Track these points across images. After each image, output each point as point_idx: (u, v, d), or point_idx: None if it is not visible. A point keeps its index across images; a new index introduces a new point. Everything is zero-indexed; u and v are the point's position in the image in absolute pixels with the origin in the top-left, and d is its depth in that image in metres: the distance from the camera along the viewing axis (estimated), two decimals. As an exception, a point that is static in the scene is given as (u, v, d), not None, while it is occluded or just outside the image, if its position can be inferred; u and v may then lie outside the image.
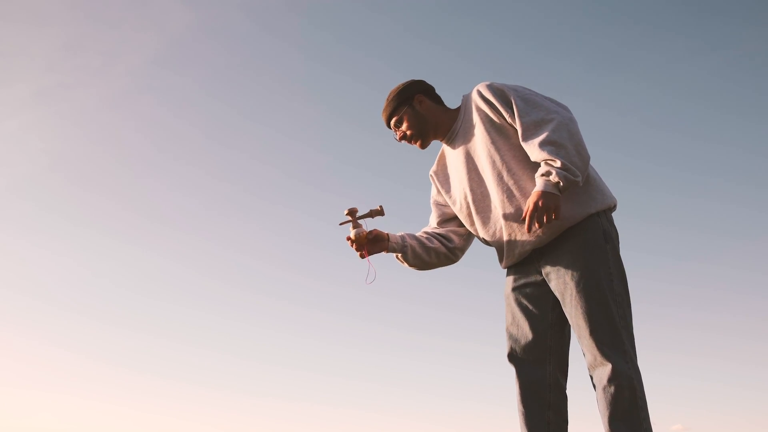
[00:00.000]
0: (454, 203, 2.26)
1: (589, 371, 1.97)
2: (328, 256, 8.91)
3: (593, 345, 1.91)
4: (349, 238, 2.15)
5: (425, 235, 2.28)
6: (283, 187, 9.01)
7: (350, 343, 8.45)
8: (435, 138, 2.26)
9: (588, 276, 1.95)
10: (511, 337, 2.13)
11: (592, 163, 2.08)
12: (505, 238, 2.11)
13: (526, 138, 1.99)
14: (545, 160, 1.93)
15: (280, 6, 8.50)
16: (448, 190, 2.28)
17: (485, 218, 2.16)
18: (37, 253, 9.11)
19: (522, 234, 2.06)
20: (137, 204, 9.27)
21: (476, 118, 2.13)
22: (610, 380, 1.88)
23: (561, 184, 1.89)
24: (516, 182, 2.04)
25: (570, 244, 2.00)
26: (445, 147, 2.30)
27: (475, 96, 2.15)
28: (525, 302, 2.11)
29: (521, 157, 2.05)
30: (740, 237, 8.02)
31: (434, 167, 2.34)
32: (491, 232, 2.15)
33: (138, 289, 9.02)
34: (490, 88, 2.11)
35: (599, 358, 1.90)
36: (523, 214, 1.93)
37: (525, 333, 2.09)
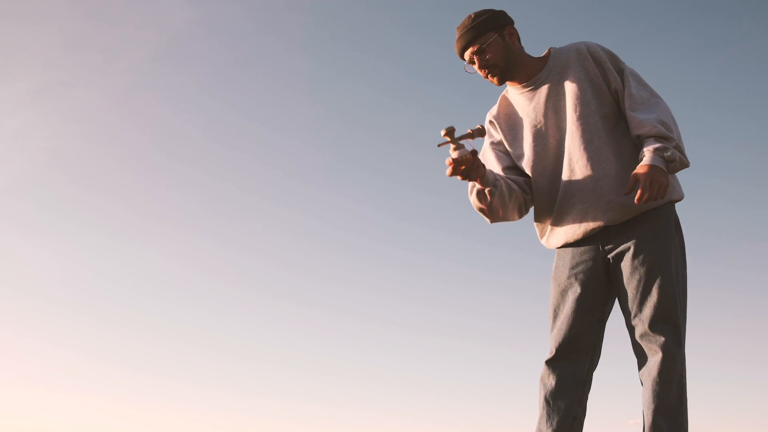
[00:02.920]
0: (519, 156, 2.08)
1: (640, 363, 1.91)
2: (328, 255, 8.91)
3: (653, 340, 1.86)
4: (453, 161, 1.83)
5: (505, 176, 2.06)
6: (283, 187, 9.02)
7: (350, 343, 8.45)
8: (513, 79, 2.07)
9: (658, 267, 1.88)
10: (558, 328, 2.00)
11: None
12: (577, 206, 1.97)
13: (635, 108, 1.92)
14: (659, 136, 1.86)
15: (281, 4, 8.50)
16: (514, 139, 2.10)
17: (555, 180, 2.02)
18: (36, 252, 9.12)
19: (597, 206, 1.94)
20: (137, 203, 9.27)
21: (575, 72, 1.99)
22: (662, 377, 1.84)
23: (675, 163, 1.84)
24: (605, 149, 1.94)
25: (645, 228, 1.91)
26: (517, 93, 2.10)
27: (582, 50, 2.01)
28: (579, 291, 1.99)
29: (610, 127, 1.97)
30: (740, 237, 8.02)
31: (495, 113, 2.15)
32: (559, 198, 2.00)
33: (138, 289, 9.03)
34: (603, 49, 2.00)
35: (657, 353, 1.85)
36: (630, 187, 1.81)
37: (573, 325, 1.97)
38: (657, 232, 1.91)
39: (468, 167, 1.85)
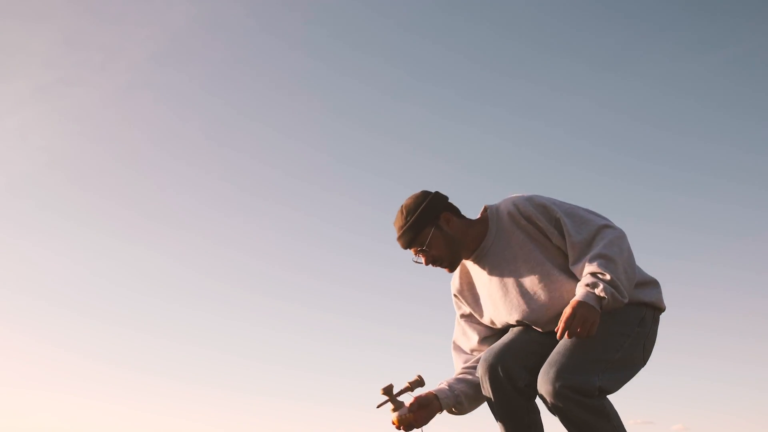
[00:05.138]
0: (490, 321, 2.08)
1: (549, 399, 1.79)
2: (328, 255, 8.91)
3: (560, 372, 1.77)
4: (394, 423, 1.93)
5: (467, 372, 2.07)
6: (283, 186, 9.02)
7: (350, 343, 8.45)
8: (462, 258, 2.06)
9: (601, 327, 1.80)
10: (493, 346, 1.99)
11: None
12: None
13: (577, 259, 1.88)
14: (593, 272, 1.79)
15: (282, 3, 8.50)
16: (478, 309, 2.10)
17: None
18: (36, 252, 9.12)
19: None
20: (137, 202, 9.27)
21: (516, 237, 1.97)
22: (578, 408, 1.75)
23: (605, 299, 1.76)
24: (561, 295, 1.91)
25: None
26: (470, 263, 2.10)
27: (513, 212, 1.97)
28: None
29: (564, 276, 1.93)
30: (740, 237, 8.02)
31: (458, 286, 2.15)
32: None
33: (137, 288, 9.03)
34: (531, 203, 1.95)
35: (561, 388, 1.75)
36: (559, 324, 1.76)
37: (508, 345, 1.96)
38: (613, 314, 1.85)
39: (410, 425, 1.92)
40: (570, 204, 1.97)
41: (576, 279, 1.90)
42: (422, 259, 2.03)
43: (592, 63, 8.09)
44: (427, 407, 1.97)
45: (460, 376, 2.06)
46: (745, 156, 7.96)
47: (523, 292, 1.96)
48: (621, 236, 1.87)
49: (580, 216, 1.92)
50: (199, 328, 8.69)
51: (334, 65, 8.66)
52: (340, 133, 8.91)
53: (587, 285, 1.78)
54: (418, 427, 1.95)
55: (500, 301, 2.01)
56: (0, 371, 8.42)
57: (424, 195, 2.03)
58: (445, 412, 2.03)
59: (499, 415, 1.95)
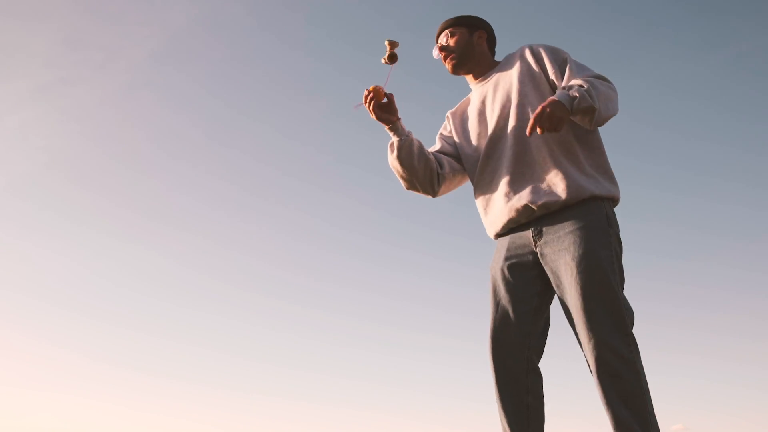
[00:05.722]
0: (462, 146, 2.27)
1: (588, 355, 1.88)
2: (328, 255, 8.91)
3: (595, 329, 1.84)
4: (368, 91, 2.17)
5: (431, 152, 2.28)
6: (283, 186, 9.01)
7: (350, 343, 8.45)
8: (469, 73, 2.30)
9: (591, 257, 1.90)
10: (492, 319, 2.06)
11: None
12: (506, 192, 2.07)
13: (569, 78, 2.03)
14: (574, 85, 1.95)
15: (282, 3, 8.50)
16: (463, 131, 2.29)
17: (492, 168, 2.14)
18: (36, 252, 9.11)
19: (525, 194, 2.03)
20: (137, 202, 9.27)
21: (517, 68, 2.16)
22: (614, 366, 1.82)
23: (577, 99, 1.88)
24: (536, 139, 2.04)
25: (571, 223, 1.96)
26: (472, 88, 2.33)
27: (524, 49, 2.19)
28: (512, 282, 2.06)
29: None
30: (740, 237, 8.02)
31: (454, 109, 2.37)
32: (493, 184, 2.12)
33: (137, 288, 9.02)
34: (545, 46, 2.16)
35: (601, 342, 1.83)
36: (530, 120, 1.88)
37: (504, 315, 2.03)
38: (585, 226, 1.94)
39: (380, 98, 2.13)
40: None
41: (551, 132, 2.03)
42: (442, 43, 2.30)
43: (592, 63, 8.07)
44: (389, 109, 2.19)
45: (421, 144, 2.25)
46: (745, 156, 7.96)
47: (505, 116, 2.13)
48: (610, 85, 2.02)
49: (585, 66, 2.09)
50: (199, 328, 8.69)
51: (334, 65, 8.67)
52: (340, 133, 8.92)
53: (563, 87, 1.96)
54: (380, 116, 2.16)
55: (482, 122, 2.21)
56: (0, 371, 8.42)
57: (480, 17, 2.32)
58: (389, 133, 2.22)
59: (499, 388, 2.03)
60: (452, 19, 2.30)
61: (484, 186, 2.17)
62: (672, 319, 7.62)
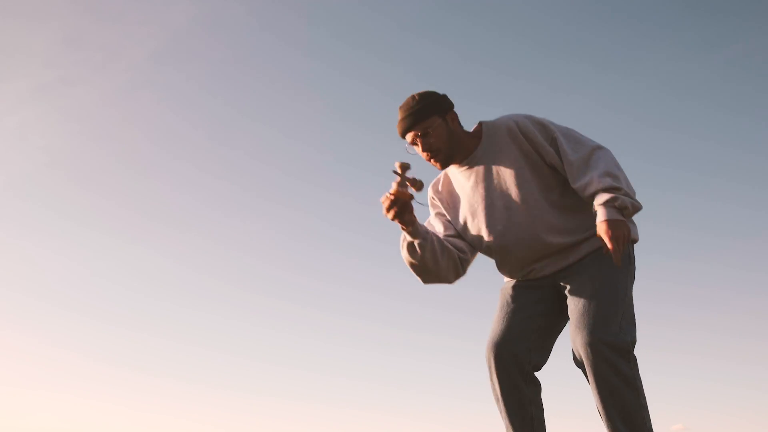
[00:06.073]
0: (465, 230, 2.11)
1: (588, 369, 1.86)
2: (328, 255, 8.91)
3: (594, 329, 1.83)
4: (392, 195, 1.88)
5: (442, 237, 2.12)
6: (283, 186, 9.02)
7: (350, 343, 8.45)
8: (454, 162, 2.10)
9: (607, 278, 1.93)
10: (493, 330, 2.05)
11: None
12: (528, 266, 2.06)
13: (578, 176, 1.96)
14: (606, 188, 1.89)
15: (282, 3, 8.50)
16: (456, 215, 2.13)
17: (501, 260, 2.11)
18: (36, 252, 9.12)
19: (547, 264, 2.04)
20: (137, 202, 9.27)
21: (510, 152, 2.02)
22: (613, 383, 1.82)
23: (628, 209, 1.88)
24: (550, 216, 2.01)
25: (598, 257, 1.98)
26: (456, 172, 2.14)
27: (512, 127, 2.03)
28: (521, 299, 2.06)
29: (554, 197, 2.02)
30: (740, 237, 8.02)
31: (438, 188, 2.18)
32: (510, 260, 2.08)
33: (137, 288, 9.03)
34: (532, 122, 2.02)
35: (602, 358, 1.82)
36: (611, 250, 1.84)
37: (508, 327, 2.02)
38: (607, 261, 1.95)
39: (403, 206, 1.89)
40: (564, 126, 2.05)
41: (557, 207, 2.01)
42: (418, 147, 2.04)
43: (592, 63, 8.09)
44: (409, 213, 1.93)
45: (438, 235, 2.09)
46: (745, 156, 7.97)
47: (507, 206, 2.02)
48: (612, 156, 1.98)
49: (574, 136, 2.01)
50: (199, 328, 8.69)
51: (334, 65, 8.67)
52: (340, 133, 8.92)
53: (606, 202, 1.87)
54: (405, 219, 1.90)
55: (481, 213, 2.06)
56: (0, 371, 8.42)
57: (436, 92, 2.07)
58: (408, 236, 2.00)
59: (504, 400, 2.00)
60: (418, 111, 2.01)
61: (500, 262, 2.13)
62: (672, 319, 7.63)
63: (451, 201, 2.16)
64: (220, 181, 9.12)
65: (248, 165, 9.08)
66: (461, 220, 2.12)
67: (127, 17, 8.49)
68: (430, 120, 2.01)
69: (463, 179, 2.11)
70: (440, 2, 8.04)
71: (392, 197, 1.88)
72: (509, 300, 2.08)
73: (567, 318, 2.02)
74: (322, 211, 8.98)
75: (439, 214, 2.19)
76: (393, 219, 1.91)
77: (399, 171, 1.89)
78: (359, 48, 8.47)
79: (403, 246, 2.04)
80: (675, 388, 7.03)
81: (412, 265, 2.05)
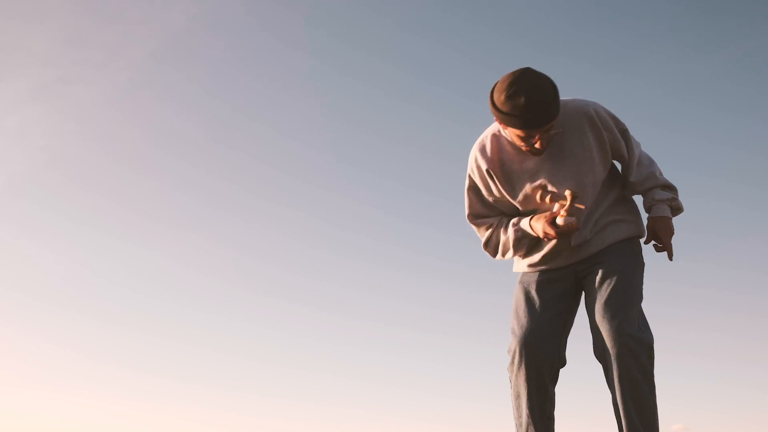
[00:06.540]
0: (523, 203, 2.08)
1: (612, 353, 1.91)
2: (328, 255, 8.91)
3: (622, 322, 1.91)
4: (564, 228, 1.94)
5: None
6: (283, 186, 9.02)
7: (350, 343, 8.45)
8: None
9: (628, 270, 2.03)
10: (521, 326, 2.04)
11: None
12: (566, 250, 2.10)
13: (638, 170, 2.12)
14: (664, 186, 2.12)
15: (282, 3, 8.50)
16: (512, 188, 2.06)
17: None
18: (36, 252, 9.12)
19: (580, 249, 2.09)
20: (137, 201, 9.28)
21: (586, 138, 2.01)
22: (635, 374, 1.89)
23: (680, 210, 2.13)
24: (602, 201, 2.11)
25: (617, 250, 2.08)
26: (509, 141, 2.05)
27: (591, 115, 2.00)
28: (545, 295, 2.08)
29: (604, 187, 2.13)
30: (740, 237, 8.02)
31: (489, 156, 2.06)
32: (558, 242, 2.08)
33: (137, 288, 9.03)
34: (608, 114, 2.06)
35: (626, 348, 1.89)
36: (662, 244, 2.07)
37: (539, 324, 2.02)
38: (629, 254, 2.09)
39: (569, 233, 1.97)
40: None
41: (610, 196, 2.12)
42: (536, 139, 1.90)
43: (592, 63, 8.09)
44: None
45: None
46: (745, 156, 7.97)
47: (576, 188, 2.02)
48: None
49: (631, 135, 2.16)
50: (199, 328, 8.69)
51: (334, 65, 8.67)
52: (340, 133, 8.92)
53: (666, 200, 2.10)
54: (571, 233, 1.99)
55: (533, 192, 2.05)
56: (0, 371, 8.42)
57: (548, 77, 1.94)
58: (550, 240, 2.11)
59: (528, 399, 2.02)
60: (553, 104, 1.83)
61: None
62: (672, 319, 7.62)
63: (502, 172, 2.06)
64: (220, 181, 9.13)
65: (248, 165, 9.09)
66: (519, 195, 2.06)
67: (127, 17, 8.50)
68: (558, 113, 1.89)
69: (522, 156, 2.04)
70: (440, 2, 8.05)
71: (564, 229, 1.94)
72: (534, 295, 2.08)
73: (575, 312, 2.12)
74: (322, 211, 8.99)
75: (493, 196, 2.11)
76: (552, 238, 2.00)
77: (570, 199, 1.94)
78: (359, 48, 8.48)
79: (515, 245, 2.11)
80: (675, 388, 7.03)
81: (507, 255, 2.16)
